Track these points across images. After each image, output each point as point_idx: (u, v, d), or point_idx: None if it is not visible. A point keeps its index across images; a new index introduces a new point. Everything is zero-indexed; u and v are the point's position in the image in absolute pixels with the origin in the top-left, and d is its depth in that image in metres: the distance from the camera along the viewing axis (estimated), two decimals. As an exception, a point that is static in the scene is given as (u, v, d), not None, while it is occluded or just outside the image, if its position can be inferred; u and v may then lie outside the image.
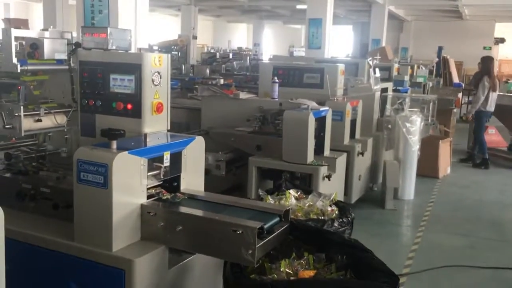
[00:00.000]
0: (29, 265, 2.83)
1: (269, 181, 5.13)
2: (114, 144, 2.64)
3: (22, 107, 2.99)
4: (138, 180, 2.67)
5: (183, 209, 2.68)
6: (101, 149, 2.62)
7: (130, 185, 2.63)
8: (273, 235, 2.61)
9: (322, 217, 3.50)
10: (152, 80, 3.09)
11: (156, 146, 2.81)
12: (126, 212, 2.62)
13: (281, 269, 2.50)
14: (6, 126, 3.01)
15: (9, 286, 2.98)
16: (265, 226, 2.54)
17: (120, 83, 3.10)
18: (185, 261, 2.81)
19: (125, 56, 3.13)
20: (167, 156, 2.84)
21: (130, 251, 2.59)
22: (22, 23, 13.96)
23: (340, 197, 5.33)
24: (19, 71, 3.00)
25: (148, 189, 2.83)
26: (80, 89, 3.24)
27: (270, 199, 3.61)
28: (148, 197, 2.81)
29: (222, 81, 8.21)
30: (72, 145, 3.35)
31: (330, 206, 3.65)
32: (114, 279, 2.54)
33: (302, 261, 2.61)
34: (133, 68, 3.04)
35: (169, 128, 3.29)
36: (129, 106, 3.07)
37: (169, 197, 2.86)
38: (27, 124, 3.07)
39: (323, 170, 4.76)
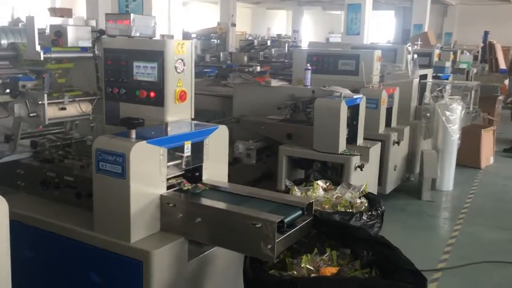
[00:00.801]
0: (52, 253, 2.83)
1: (300, 171, 5.01)
2: (133, 134, 2.59)
3: (46, 95, 2.98)
4: (157, 170, 2.62)
5: (203, 201, 2.61)
6: (120, 138, 2.58)
7: (148, 175, 2.58)
8: (295, 229, 2.51)
9: (350, 210, 3.37)
10: (175, 68, 3.02)
11: (176, 136, 2.74)
12: (144, 202, 2.57)
13: (302, 265, 2.40)
14: (31, 114, 3.02)
15: (33, 273, 3.02)
16: (286, 220, 2.44)
17: (143, 71, 3.05)
18: (206, 253, 2.75)
19: (147, 43, 3.07)
20: (187, 145, 2.78)
21: (149, 243, 2.55)
22: (66, 13, 14.22)
23: (374, 188, 5.17)
24: (42, 58, 2.98)
25: (168, 179, 2.78)
26: (105, 77, 3.21)
27: (297, 190, 3.51)
28: (169, 187, 2.75)
29: (258, 68, 8.11)
30: (98, 134, 3.33)
31: (360, 198, 3.51)
32: (132, 270, 2.51)
33: (324, 257, 2.50)
34: (156, 55, 2.98)
35: (193, 116, 3.22)
36: (152, 94, 3.02)
37: (190, 187, 2.79)
38: (51, 112, 3.06)
39: (355, 160, 4.60)
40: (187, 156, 2.85)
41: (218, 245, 2.60)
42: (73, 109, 3.21)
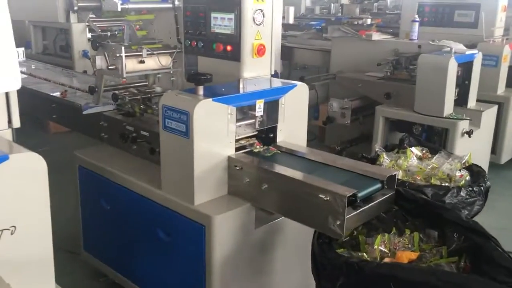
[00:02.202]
0: (125, 207, 2.84)
1: (398, 134, 4.57)
2: (201, 90, 2.43)
3: (123, 47, 2.92)
4: (224, 131, 2.44)
5: (270, 165, 2.40)
6: (186, 94, 2.43)
7: (214, 135, 2.42)
8: (370, 205, 2.21)
9: (447, 184, 2.96)
10: (253, 19, 2.78)
11: (246, 94, 2.54)
12: (210, 164, 2.43)
13: (375, 247, 2.12)
14: (110, 67, 2.99)
15: (108, 223, 3.08)
16: (359, 194, 2.15)
17: (220, 23, 2.86)
18: (275, 221, 2.57)
19: (236, -8, 2.83)
20: (260, 104, 2.56)
21: (212, 207, 2.42)
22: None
23: (485, 158, 4.59)
24: (119, 9, 2.91)
25: (239, 139, 2.60)
26: (184, 29, 3.07)
27: (386, 157, 3.16)
28: (239, 148, 2.58)
29: (369, 21, 7.56)
30: (179, 88, 3.25)
31: (460, 170, 3.07)
32: (195, 233, 2.41)
33: (403, 238, 2.18)
34: (233, 5, 2.76)
35: (273, 72, 2.98)
36: (229, 48, 2.83)
37: (261, 150, 2.60)
38: (130, 65, 3.01)
39: (463, 125, 4.06)
40: (260, 116, 2.64)
41: (284, 215, 2.39)
42: (152, 63, 3.13)
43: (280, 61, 6.52)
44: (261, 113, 2.60)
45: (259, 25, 2.82)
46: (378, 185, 2.29)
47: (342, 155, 5.36)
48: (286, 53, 6.64)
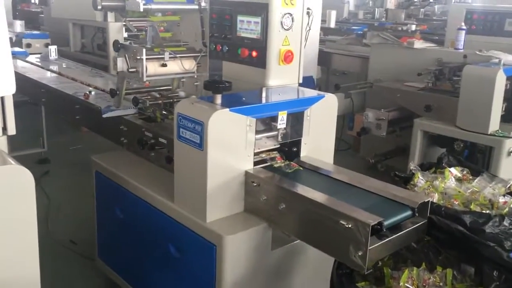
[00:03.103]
0: (138, 217, 2.71)
1: (438, 149, 4.28)
2: (218, 99, 2.26)
3: (144, 50, 2.79)
4: (242, 143, 2.26)
5: (289, 184, 2.20)
6: (202, 103, 2.26)
7: (231, 148, 2.24)
8: (398, 234, 1.98)
9: (488, 211, 2.67)
10: (281, 23, 2.59)
11: (268, 104, 2.35)
12: (225, 179, 2.25)
13: (400, 284, 1.88)
14: (130, 70, 2.87)
15: (123, 234, 2.96)
16: (386, 222, 1.92)
17: (246, 26, 2.68)
18: (294, 243, 2.37)
19: (253, -5, 2.66)
20: (282, 116, 2.36)
21: (226, 225, 2.24)
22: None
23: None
24: (141, 9, 2.78)
25: (259, 153, 2.42)
26: (209, 31, 2.91)
27: (421, 177, 2.88)
28: (259, 162, 2.40)
29: (414, 27, 7.23)
30: (202, 93, 3.09)
31: (505, 196, 2.77)
32: (206, 252, 2.24)
33: (434, 275, 1.94)
34: (260, 8, 2.58)
35: (300, 81, 2.78)
36: (254, 54, 2.65)
37: (282, 165, 2.40)
38: (151, 68, 2.87)
39: (510, 144, 3.73)
40: (283, 128, 2.45)
41: (302, 240, 2.19)
42: (175, 66, 2.98)
43: (316, 67, 6.31)
44: (284, 126, 2.40)
45: (287, 30, 2.63)
46: (408, 213, 2.06)
47: (377, 168, 5.11)
48: (324, 58, 6.41)
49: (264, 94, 2.41)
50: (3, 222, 1.41)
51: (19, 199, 1.42)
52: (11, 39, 6.90)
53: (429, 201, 2.10)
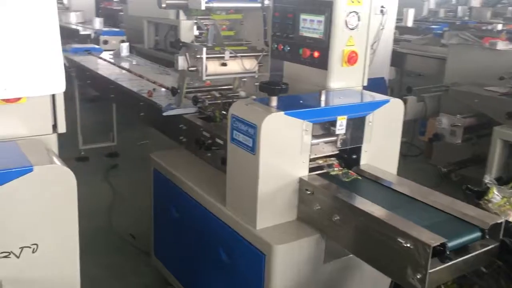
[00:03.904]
0: (192, 218, 2.67)
1: (520, 161, 3.93)
2: (274, 101, 2.16)
3: (204, 48, 2.75)
4: (297, 148, 2.15)
5: (344, 194, 2.05)
6: (257, 105, 2.17)
7: (285, 153, 2.13)
8: (464, 258, 1.78)
9: None
10: (346, 22, 2.45)
11: (326, 108, 2.21)
12: (277, 185, 2.15)
13: (464, 313, 1.69)
14: (190, 68, 2.84)
15: (177, 234, 2.94)
16: (450, 244, 1.73)
17: (309, 25, 2.57)
18: (349, 256, 2.22)
19: (317, -8, 2.54)
20: (341, 121, 2.22)
21: (276, 233, 2.14)
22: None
23: None
24: (203, 7, 2.73)
25: (316, 159, 2.29)
26: (272, 30, 2.83)
27: (496, 192, 2.63)
28: (315, 169, 2.27)
29: (500, 27, 6.76)
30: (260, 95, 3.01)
31: None
32: (255, 261, 2.15)
33: (504, 306, 1.73)
34: (324, 6, 2.46)
35: (365, 84, 2.63)
36: (316, 54, 2.53)
37: (339, 173, 2.26)
38: (212, 67, 2.82)
39: None
40: (343, 134, 2.31)
41: (355, 254, 2.03)
42: (235, 66, 2.92)
43: (389, 67, 6.03)
44: (343, 131, 2.26)
45: (352, 29, 2.49)
46: (477, 234, 1.85)
47: (451, 178, 4.79)
48: (397, 59, 6.12)
49: (323, 97, 2.28)
50: (45, 221, 1.40)
51: (61, 199, 1.40)
52: (89, 35, 7.21)
53: (502, 222, 1.88)
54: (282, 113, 2.07)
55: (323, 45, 2.49)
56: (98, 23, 7.47)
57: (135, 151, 5.65)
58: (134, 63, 4.84)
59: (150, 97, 3.40)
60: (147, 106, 3.45)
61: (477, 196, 2.65)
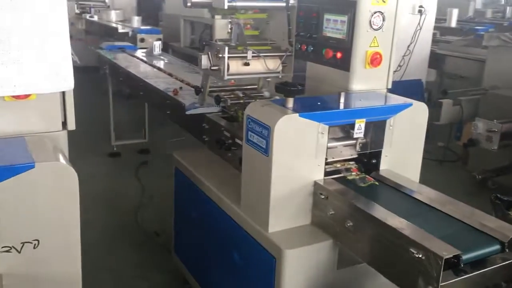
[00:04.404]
0: (209, 219, 2.66)
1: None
2: (290, 103, 2.11)
3: (227, 48, 2.73)
4: (312, 152, 2.10)
5: (358, 200, 1.98)
6: (273, 106, 2.13)
7: (300, 156, 2.08)
8: (480, 271, 1.69)
9: None
10: (370, 23, 2.38)
11: (344, 111, 2.15)
12: (291, 188, 2.10)
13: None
14: (212, 67, 2.83)
15: (195, 233, 2.94)
16: (465, 256, 1.65)
17: (332, 25, 2.51)
18: (363, 264, 2.14)
19: (341, -9, 2.48)
20: (360, 124, 2.16)
21: (288, 237, 2.09)
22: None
23: None
24: (226, 7, 2.72)
25: (334, 162, 2.23)
26: (296, 30, 2.78)
27: (527, 203, 2.50)
28: (331, 172, 2.21)
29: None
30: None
31: None
32: (266, 265, 2.11)
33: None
34: (348, 5, 2.39)
35: (389, 86, 2.54)
36: (338, 55, 2.47)
37: (356, 178, 2.20)
38: (234, 66, 2.81)
39: None
40: (362, 138, 2.24)
41: (367, 262, 1.96)
42: (258, 65, 2.89)
43: (426, 69, 5.87)
44: (361, 135, 2.19)
45: (377, 30, 2.41)
46: (496, 247, 1.75)
47: (487, 185, 4.59)
48: (436, 60, 5.94)
49: (342, 99, 2.21)
50: (46, 217, 1.41)
51: (62, 196, 1.41)
52: (127, 33, 7.34)
53: (524, 235, 1.77)
54: (296, 115, 2.02)
55: (345, 46, 2.43)
56: (136, 21, 7.60)
57: (166, 148, 5.72)
58: (165, 61, 4.88)
59: (175, 96, 3.41)
60: (172, 105, 3.47)
61: (507, 206, 2.52)
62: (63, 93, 1.63)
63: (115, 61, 4.83)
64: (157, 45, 5.15)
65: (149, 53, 5.20)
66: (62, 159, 1.46)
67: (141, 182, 4.80)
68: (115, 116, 5.55)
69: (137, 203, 4.38)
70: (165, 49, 7.62)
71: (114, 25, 8.01)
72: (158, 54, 5.13)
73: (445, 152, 5.47)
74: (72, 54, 1.54)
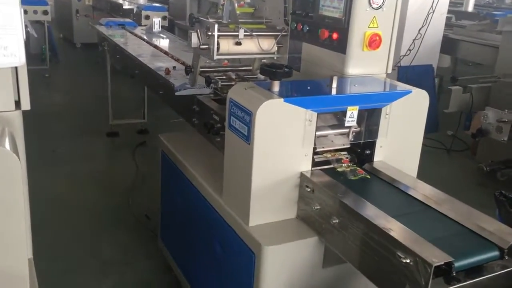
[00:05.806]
0: (192, 206, 2.52)
1: None
2: (276, 86, 1.94)
3: (216, 25, 2.54)
4: (298, 140, 1.93)
5: (345, 195, 1.81)
6: (257, 90, 1.96)
7: (284, 145, 1.91)
8: (475, 280, 1.51)
9: None
10: (370, 1, 2.17)
11: (334, 97, 1.97)
12: (274, 179, 1.94)
13: None
14: (202, 46, 2.65)
15: (179, 219, 2.80)
16: (457, 263, 1.47)
17: (329, 3, 2.31)
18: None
19: (340, -35, 2.27)
20: (352, 112, 1.97)
21: (270, 232, 1.94)
22: None
23: None
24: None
25: (323, 152, 2.06)
26: (292, 8, 2.59)
27: (534, 202, 2.30)
28: (321, 163, 2.04)
29: None
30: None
31: None
32: (245, 260, 1.97)
33: None
34: (346, -19, 2.18)
35: (389, 71, 2.35)
36: (335, 36, 2.28)
37: (347, 170, 2.02)
38: (224, 46, 2.62)
39: None
40: (355, 127, 2.07)
41: (351, 263, 1.79)
42: (252, 45, 2.70)
43: (438, 54, 5.61)
44: (353, 123, 2.01)
45: (376, 9, 2.21)
46: (494, 253, 1.57)
47: (496, 177, 4.39)
48: (448, 45, 5.68)
49: (334, 84, 2.02)
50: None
51: (4, 186, 1.26)
52: (132, 10, 7.15)
53: (526, 241, 1.59)
54: (281, 100, 1.85)
55: (342, 26, 2.23)
56: (142, -2, 7.42)
57: (165, 129, 5.56)
58: (164, 39, 4.70)
59: (167, 75, 3.25)
60: (163, 85, 3.31)
61: (511, 203, 2.34)
62: (16, 70, 1.47)
63: (111, 38, 4.66)
64: (157, 22, 4.97)
65: (149, 30, 5.02)
66: (7, 144, 1.31)
67: (137, 163, 4.67)
68: (115, 94, 5.39)
69: (131, 184, 4.26)
70: (171, 26, 7.43)
71: (120, 1, 7.83)
72: (157, 31, 4.95)
73: (453, 140, 5.26)
74: (26, 27, 1.38)
